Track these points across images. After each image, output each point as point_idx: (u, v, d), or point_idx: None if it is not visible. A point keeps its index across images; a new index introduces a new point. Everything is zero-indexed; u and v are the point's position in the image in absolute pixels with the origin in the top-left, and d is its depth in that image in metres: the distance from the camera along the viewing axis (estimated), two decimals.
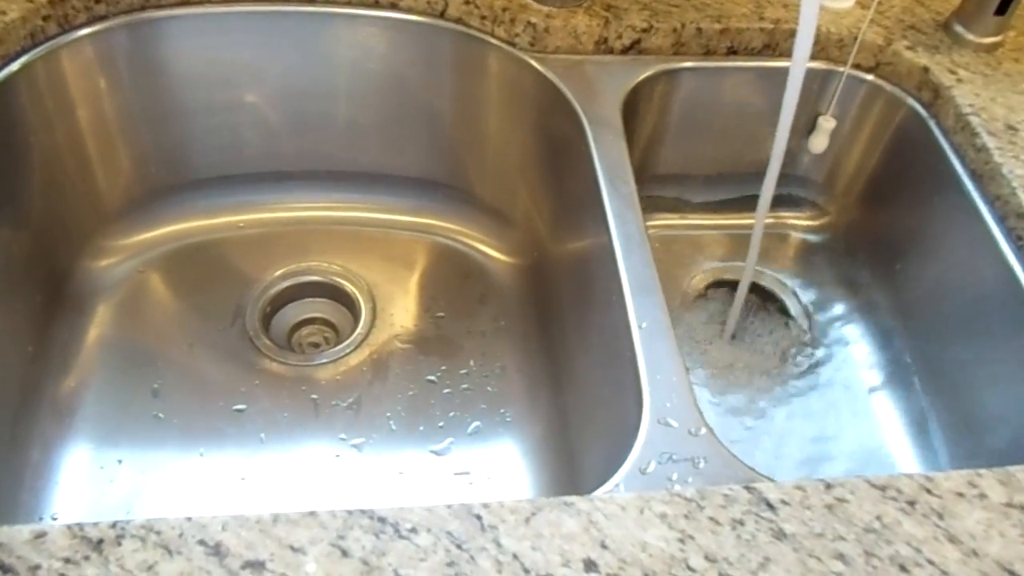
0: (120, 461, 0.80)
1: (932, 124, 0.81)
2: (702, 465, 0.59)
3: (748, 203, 0.95)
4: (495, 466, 0.82)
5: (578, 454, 0.77)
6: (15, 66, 0.76)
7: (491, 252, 0.97)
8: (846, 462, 0.78)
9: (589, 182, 0.76)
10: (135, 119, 0.88)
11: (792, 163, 0.94)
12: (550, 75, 0.82)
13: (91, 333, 0.87)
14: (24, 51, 0.77)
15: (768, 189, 0.72)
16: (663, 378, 0.63)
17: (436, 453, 0.83)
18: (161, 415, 0.83)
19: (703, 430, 0.61)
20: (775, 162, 0.71)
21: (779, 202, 0.96)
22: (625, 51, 0.84)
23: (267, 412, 0.84)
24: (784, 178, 0.93)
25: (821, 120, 0.89)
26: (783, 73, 0.85)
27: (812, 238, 0.95)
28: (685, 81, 0.85)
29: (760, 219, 0.75)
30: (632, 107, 0.82)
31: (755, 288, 0.91)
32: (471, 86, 0.87)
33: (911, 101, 0.83)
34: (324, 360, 0.89)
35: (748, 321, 0.88)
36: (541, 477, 0.81)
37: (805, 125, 0.90)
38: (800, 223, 0.96)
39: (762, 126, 0.89)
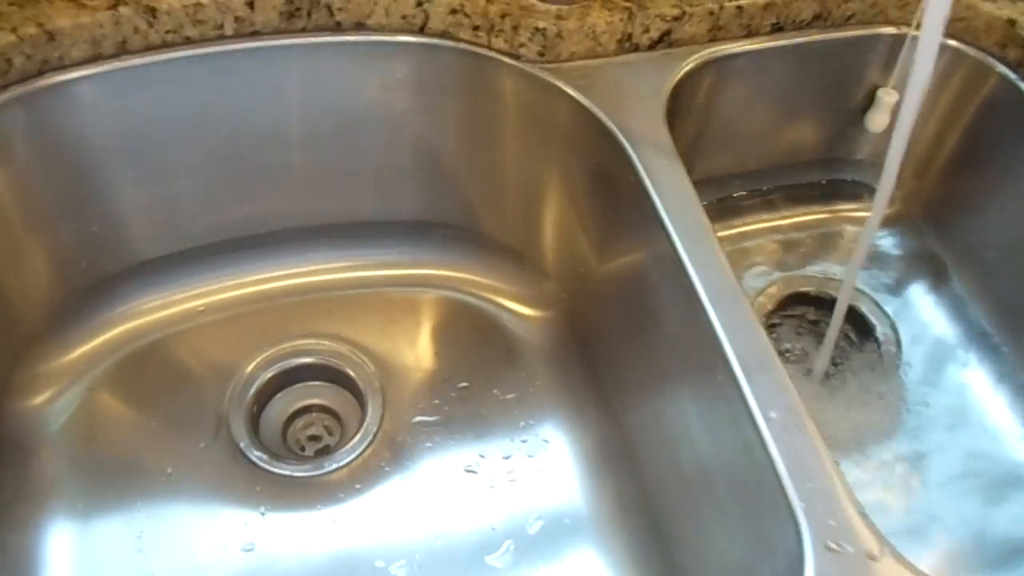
0: None
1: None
2: None
3: (800, 198, 0.82)
4: (571, 571, 0.68)
5: (689, 566, 0.64)
6: None
7: (511, 302, 0.81)
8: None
9: (648, 224, 0.61)
10: (48, 210, 0.69)
11: (845, 145, 0.80)
12: (569, 89, 0.66)
13: (43, 486, 0.69)
14: None
15: (885, 190, 0.58)
16: (814, 485, 0.49)
17: (497, 567, 0.68)
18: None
19: (885, 550, 0.47)
20: (895, 155, 0.56)
21: (832, 193, 0.82)
22: (653, 46, 0.69)
23: (282, 547, 0.69)
24: (835, 163, 0.80)
25: (881, 93, 0.75)
26: (841, 45, 0.72)
27: (878, 233, 0.82)
28: (729, 71, 0.70)
29: (872, 227, 0.60)
30: (673, 113, 0.67)
31: (824, 303, 0.78)
32: (473, 112, 0.71)
33: (993, 62, 0.70)
34: (335, 465, 0.73)
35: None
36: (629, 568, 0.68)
37: (861, 100, 0.76)
38: (860, 216, 0.83)
39: (816, 108, 0.76)
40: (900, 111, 0.54)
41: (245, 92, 0.69)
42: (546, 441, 0.75)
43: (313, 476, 0.72)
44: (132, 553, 0.67)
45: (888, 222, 0.82)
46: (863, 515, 0.48)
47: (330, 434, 0.78)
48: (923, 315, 0.77)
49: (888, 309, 0.76)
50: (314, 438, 0.78)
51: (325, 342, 0.79)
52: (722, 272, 0.57)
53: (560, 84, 0.66)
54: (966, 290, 0.76)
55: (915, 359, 0.74)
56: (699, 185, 0.77)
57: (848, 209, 0.83)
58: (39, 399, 0.72)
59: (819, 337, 0.78)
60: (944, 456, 0.69)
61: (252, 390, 0.76)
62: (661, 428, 0.65)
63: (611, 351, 0.73)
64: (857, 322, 0.76)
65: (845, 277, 0.63)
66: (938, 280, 0.78)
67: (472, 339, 0.79)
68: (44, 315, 0.73)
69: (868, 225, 0.60)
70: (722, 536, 0.57)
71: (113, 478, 0.70)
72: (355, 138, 0.74)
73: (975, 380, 0.73)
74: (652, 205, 0.60)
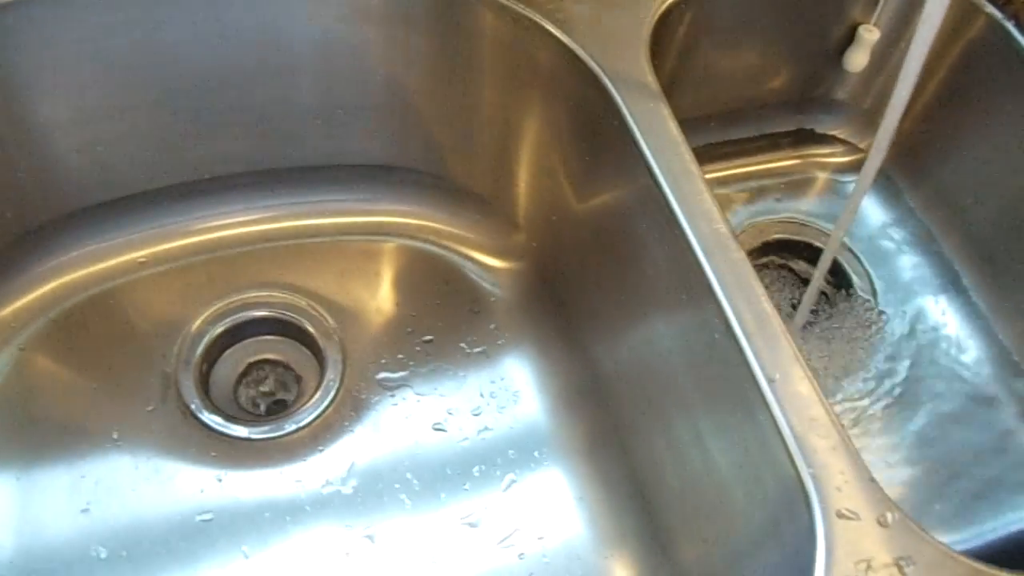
0: None
1: (1011, 27, 0.66)
2: (910, 570, 0.44)
3: (773, 142, 0.80)
4: (546, 526, 0.66)
5: (671, 518, 0.62)
6: None
7: (476, 252, 0.77)
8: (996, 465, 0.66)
9: (634, 172, 0.57)
10: None
11: (820, 84, 0.77)
12: (548, 25, 0.61)
13: None
14: None
15: (883, 142, 0.55)
16: (820, 449, 0.47)
17: (471, 525, 0.66)
18: (102, 550, 0.62)
19: (896, 515, 0.46)
20: (898, 104, 0.53)
21: (803, 135, 0.80)
22: None
23: (242, 514, 0.65)
24: (809, 103, 0.78)
25: (861, 30, 0.72)
26: None
27: (849, 179, 0.79)
28: (709, 4, 0.66)
29: (867, 179, 0.57)
30: (656, 50, 0.63)
31: (799, 249, 0.76)
32: (440, 46, 0.66)
33: (982, 2, 0.67)
34: (295, 426, 0.69)
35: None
36: (607, 529, 0.66)
37: (840, 38, 0.74)
38: (833, 161, 0.80)
39: (794, 46, 0.73)
40: (906, 58, 0.51)
41: (185, 24, 0.63)
42: (516, 394, 0.72)
43: (272, 438, 0.68)
44: (80, 528, 0.63)
45: (857, 167, 0.80)
46: (872, 480, 0.47)
47: (287, 390, 0.73)
48: (896, 261, 0.75)
49: (861, 256, 0.75)
50: (268, 394, 0.73)
51: (278, 294, 0.74)
52: (716, 224, 0.54)
53: (537, 19, 0.61)
54: (939, 235, 0.75)
55: (890, 306, 0.73)
56: None
57: (821, 154, 0.80)
58: None
59: (792, 283, 0.76)
60: (920, 406, 0.69)
61: (201, 347, 0.71)
62: (646, 381, 0.63)
63: (585, 303, 0.70)
64: (833, 270, 0.74)
65: (835, 230, 0.60)
66: (910, 225, 0.77)
67: (436, 291, 0.75)
68: None
69: (862, 177, 0.57)
70: (718, 499, 0.55)
71: (54, 446, 0.65)
72: (308, 74, 0.68)
73: (950, 326, 0.73)
74: (639, 152, 0.57)
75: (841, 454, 0.47)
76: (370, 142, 0.73)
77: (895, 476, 0.65)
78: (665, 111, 0.59)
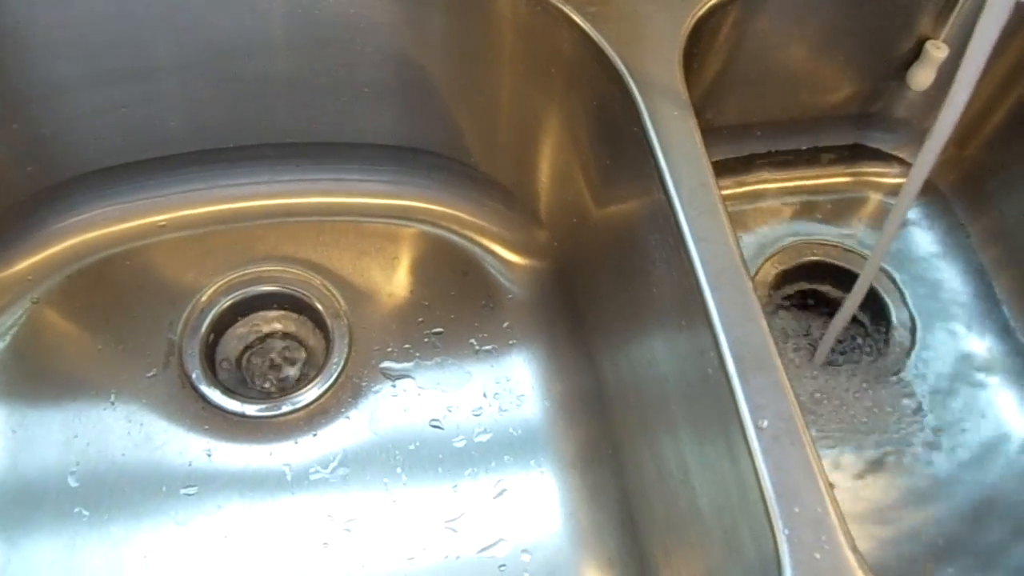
0: None
1: None
2: None
3: (823, 156, 0.75)
4: (532, 539, 0.63)
5: (655, 549, 0.59)
6: None
7: (497, 246, 0.75)
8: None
9: (648, 185, 0.54)
10: None
11: (881, 101, 0.72)
12: (577, 17, 0.58)
13: None
14: None
15: (927, 162, 0.50)
16: (801, 510, 0.44)
17: (453, 529, 0.64)
18: (84, 511, 0.62)
19: None
20: (946, 124, 0.48)
21: (858, 152, 0.74)
22: None
23: (226, 492, 0.64)
24: (867, 121, 0.72)
25: (929, 46, 0.67)
26: None
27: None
28: (759, 7, 0.62)
29: (906, 203, 0.52)
30: (691, 53, 0.59)
31: (838, 273, 0.71)
32: (465, 31, 0.63)
33: None
34: (291, 407, 0.68)
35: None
36: (594, 551, 0.63)
37: (905, 53, 0.68)
38: (888, 182, 0.75)
39: (852, 57, 0.67)
40: (959, 72, 0.46)
41: None
42: (520, 398, 0.69)
43: (267, 417, 0.67)
44: (65, 487, 0.63)
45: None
46: (855, 550, 0.43)
47: (290, 368, 0.72)
48: (942, 296, 0.70)
49: (906, 291, 0.69)
50: (271, 370, 0.72)
51: (293, 270, 0.73)
52: (726, 250, 0.50)
53: (567, 10, 0.58)
54: (995, 278, 0.69)
55: (929, 349, 0.68)
56: (714, 134, 0.70)
57: (875, 173, 0.75)
58: None
59: (829, 312, 0.71)
60: (944, 469, 0.63)
61: (209, 317, 0.70)
62: (643, 404, 0.60)
63: (600, 313, 0.67)
64: (870, 301, 0.69)
65: (870, 257, 0.55)
66: (966, 263, 0.71)
67: (452, 282, 0.73)
68: None
69: (900, 201, 0.53)
70: (697, 541, 0.52)
71: (52, 402, 0.66)
72: (336, 50, 0.66)
73: (993, 377, 0.67)
74: (656, 165, 0.53)
75: (826, 517, 0.43)
76: (396, 123, 0.71)
77: (901, 552, 0.59)
78: (691, 122, 0.55)
